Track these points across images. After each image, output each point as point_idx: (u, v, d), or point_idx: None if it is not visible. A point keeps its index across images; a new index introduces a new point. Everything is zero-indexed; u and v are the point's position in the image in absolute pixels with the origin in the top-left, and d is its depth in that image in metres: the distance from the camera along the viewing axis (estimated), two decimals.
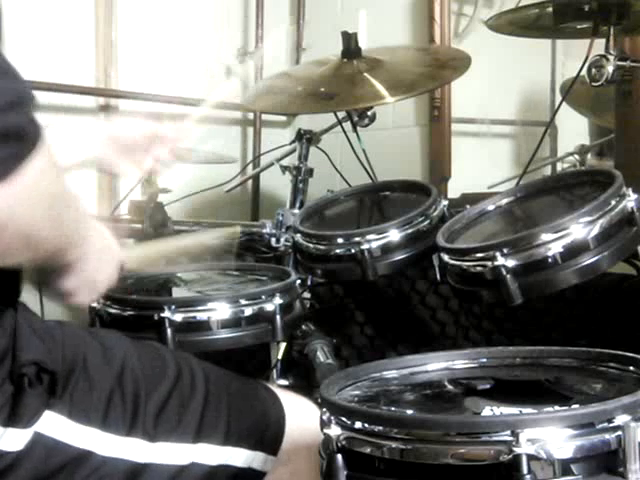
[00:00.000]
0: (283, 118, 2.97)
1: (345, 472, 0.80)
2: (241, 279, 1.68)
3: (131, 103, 2.57)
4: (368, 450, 0.80)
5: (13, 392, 0.89)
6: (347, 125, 2.11)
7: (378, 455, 0.79)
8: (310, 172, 2.07)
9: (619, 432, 0.74)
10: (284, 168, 2.10)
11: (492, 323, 1.88)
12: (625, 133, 1.93)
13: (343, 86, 1.91)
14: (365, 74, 1.90)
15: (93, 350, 1.03)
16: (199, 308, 1.42)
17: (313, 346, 1.75)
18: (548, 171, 2.43)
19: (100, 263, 0.98)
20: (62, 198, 0.78)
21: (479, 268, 1.28)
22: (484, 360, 1.02)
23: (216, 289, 1.62)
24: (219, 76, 2.82)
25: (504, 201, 1.51)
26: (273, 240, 2.00)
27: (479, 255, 1.28)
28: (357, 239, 1.47)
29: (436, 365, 1.02)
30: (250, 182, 2.77)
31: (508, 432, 0.73)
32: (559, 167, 2.48)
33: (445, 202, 1.57)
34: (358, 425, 0.81)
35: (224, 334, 1.42)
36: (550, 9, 1.67)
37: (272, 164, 2.20)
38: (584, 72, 1.58)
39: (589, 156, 2.42)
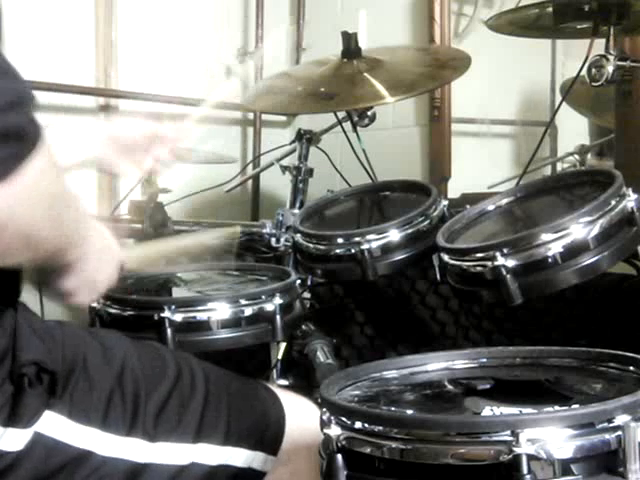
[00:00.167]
0: (283, 118, 2.97)
1: (345, 472, 0.80)
2: (241, 279, 1.68)
3: (131, 103, 2.57)
4: (368, 450, 0.80)
5: (13, 392, 0.89)
6: (347, 125, 2.11)
7: (378, 455, 0.79)
8: (310, 172, 2.07)
9: (619, 432, 0.74)
10: (284, 168, 2.10)
11: (492, 323, 1.88)
12: (625, 133, 1.93)
13: (343, 86, 1.91)
14: (365, 74, 1.90)
15: (93, 350, 1.03)
16: (199, 308, 1.42)
17: (313, 346, 1.75)
18: (548, 171, 2.43)
19: (100, 263, 0.98)
20: (62, 198, 0.78)
21: (479, 268, 1.28)
22: (484, 360, 1.02)
23: (216, 289, 1.62)
24: (219, 76, 2.83)
25: (504, 201, 1.51)
26: (273, 240, 2.00)
27: (479, 255, 1.28)
28: (357, 239, 1.47)
29: (436, 365, 1.02)
30: (250, 182, 2.77)
31: (508, 432, 0.73)
32: (559, 167, 2.48)
33: (445, 202, 1.57)
34: (358, 425, 0.81)
35: (224, 334, 1.42)
36: (550, 9, 1.67)
37: (272, 164, 2.20)
38: (584, 72, 1.58)
39: (589, 156, 2.42)
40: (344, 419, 0.82)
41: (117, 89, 2.57)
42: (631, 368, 0.91)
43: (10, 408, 0.88)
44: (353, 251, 1.47)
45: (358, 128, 2.06)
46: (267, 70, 2.79)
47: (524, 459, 0.72)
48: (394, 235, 1.48)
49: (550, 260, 1.23)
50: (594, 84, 1.57)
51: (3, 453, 0.88)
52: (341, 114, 2.10)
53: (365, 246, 1.45)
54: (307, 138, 2.07)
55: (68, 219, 0.81)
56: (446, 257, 1.36)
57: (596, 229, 1.22)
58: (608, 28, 1.59)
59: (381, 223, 1.52)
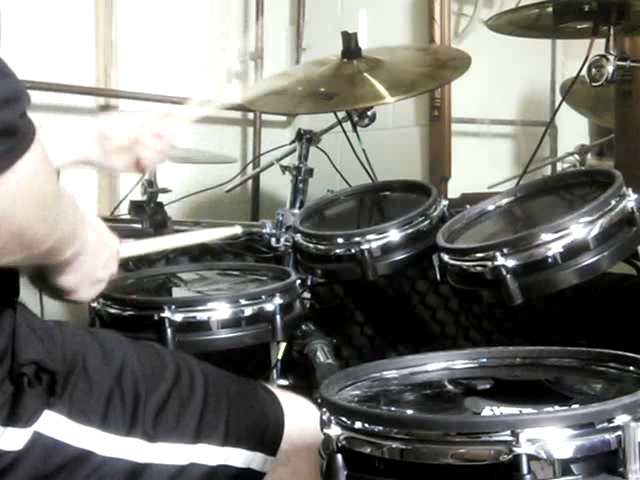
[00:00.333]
0: (283, 118, 2.97)
1: (345, 472, 0.80)
2: (241, 279, 1.68)
3: (131, 103, 2.57)
4: (368, 450, 0.80)
5: (13, 392, 0.89)
6: (347, 125, 2.11)
7: (378, 455, 0.79)
8: (310, 172, 2.07)
9: (619, 432, 0.74)
10: (284, 168, 2.10)
11: (492, 323, 1.88)
12: (625, 133, 1.93)
13: (343, 86, 1.91)
14: (365, 74, 1.90)
15: (93, 350, 1.03)
16: (199, 308, 1.42)
17: (313, 346, 1.75)
18: (548, 171, 2.43)
19: (98, 259, 0.97)
20: (55, 196, 0.78)
21: (479, 268, 1.28)
22: (484, 360, 1.02)
23: (216, 289, 1.62)
24: (219, 76, 2.82)
25: (504, 201, 1.51)
26: (273, 240, 2.00)
27: (479, 255, 1.28)
28: (357, 239, 1.47)
29: (436, 365, 1.02)
30: (250, 182, 2.77)
31: (508, 432, 0.73)
32: (559, 167, 2.48)
33: (445, 202, 1.56)
34: (358, 425, 0.81)
35: (224, 334, 1.42)
36: (550, 9, 1.67)
37: (272, 164, 2.20)
38: (584, 72, 1.58)
39: (589, 156, 2.42)
40: (344, 419, 0.82)
41: (117, 89, 2.57)
42: (631, 368, 0.91)
43: (10, 408, 0.88)
44: (353, 251, 1.47)
45: (358, 128, 2.06)
46: (267, 70, 2.80)
47: (524, 459, 0.72)
48: (394, 235, 1.48)
49: (550, 260, 1.23)
50: (594, 84, 1.57)
51: (3, 453, 0.88)
52: (341, 114, 2.09)
53: (365, 246, 1.45)
54: (307, 138, 2.07)
55: (62, 217, 0.81)
56: (446, 257, 1.36)
57: (596, 229, 1.22)
58: (608, 28, 1.59)
59: (381, 223, 1.52)
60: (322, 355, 1.73)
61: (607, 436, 0.74)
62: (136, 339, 1.14)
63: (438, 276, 1.42)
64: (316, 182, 2.08)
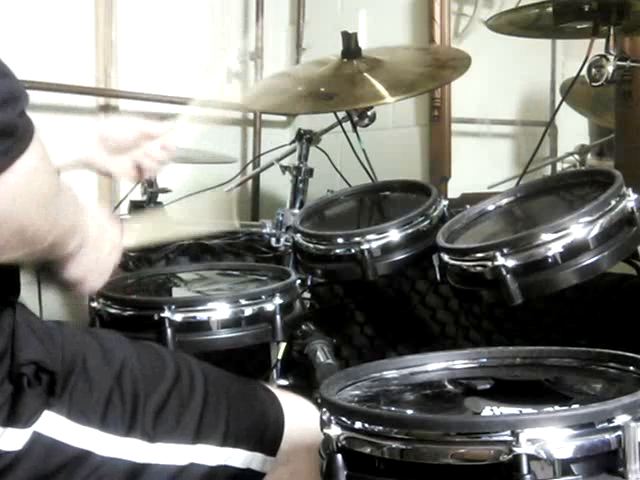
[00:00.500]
0: (283, 118, 2.97)
1: (345, 472, 0.80)
2: (241, 279, 1.68)
3: (131, 103, 2.57)
4: (368, 450, 0.80)
5: (12, 392, 0.89)
6: (347, 125, 2.11)
7: (378, 455, 0.79)
8: (310, 172, 2.07)
9: (619, 432, 0.74)
10: (284, 168, 2.10)
11: (492, 323, 1.87)
12: (625, 133, 1.93)
13: (343, 86, 1.91)
14: (365, 74, 1.90)
15: (92, 350, 1.03)
16: (199, 308, 1.42)
17: (313, 346, 1.74)
18: (548, 171, 2.43)
19: (100, 250, 0.97)
20: (55, 193, 0.78)
21: (479, 268, 1.28)
22: (484, 360, 1.02)
23: (216, 289, 1.62)
24: (219, 76, 2.82)
25: (504, 201, 1.51)
26: (273, 240, 2.00)
27: (479, 255, 1.28)
28: (357, 239, 1.47)
29: (436, 365, 1.02)
30: (250, 182, 2.77)
31: (508, 432, 0.73)
32: (559, 167, 2.48)
33: (445, 202, 1.56)
34: (358, 425, 0.81)
35: (224, 334, 1.42)
36: (550, 9, 1.67)
37: (272, 164, 2.21)
38: (584, 72, 1.58)
39: (589, 156, 2.42)
40: (344, 419, 0.82)
41: (117, 89, 2.57)
42: (631, 368, 0.91)
43: (9, 408, 0.88)
44: (353, 251, 1.47)
45: (358, 128, 2.06)
46: (267, 70, 2.80)
47: (524, 459, 0.72)
48: (394, 235, 1.48)
49: (550, 260, 1.23)
50: (594, 84, 1.56)
51: (2, 453, 0.88)
52: (341, 114, 2.09)
53: (365, 246, 1.45)
54: (307, 138, 2.07)
55: (62, 212, 0.81)
56: (446, 257, 1.36)
57: (596, 229, 1.22)
58: (608, 28, 1.59)
59: (381, 223, 1.52)
60: (322, 355, 1.73)
61: (607, 436, 0.74)
62: (136, 339, 1.14)
63: (438, 276, 1.42)
64: (316, 182, 2.08)
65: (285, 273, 1.59)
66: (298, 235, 1.60)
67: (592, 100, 2.25)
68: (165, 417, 1.02)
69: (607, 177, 1.33)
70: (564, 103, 2.03)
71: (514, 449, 0.72)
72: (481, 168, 2.49)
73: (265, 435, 1.11)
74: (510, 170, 2.49)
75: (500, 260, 1.23)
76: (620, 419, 0.75)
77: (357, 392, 0.94)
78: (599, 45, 1.59)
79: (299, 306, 1.54)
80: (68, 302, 2.45)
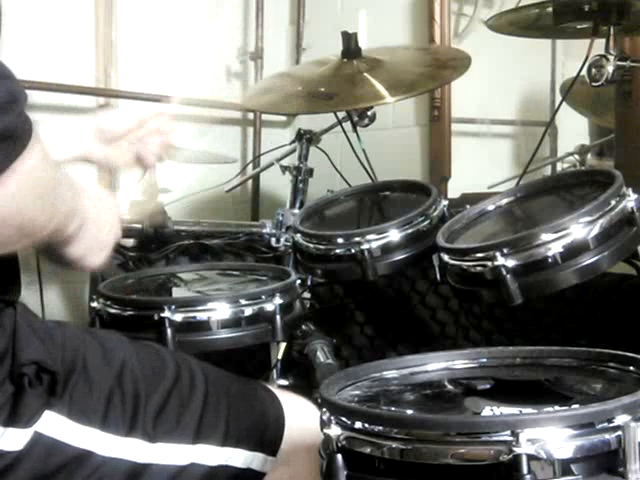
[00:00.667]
0: (283, 118, 2.97)
1: (345, 472, 0.80)
2: (241, 279, 1.69)
3: (131, 103, 2.57)
4: (368, 450, 0.80)
5: (13, 392, 0.89)
6: (347, 125, 2.11)
7: (378, 455, 0.79)
8: (310, 172, 2.07)
9: (619, 432, 0.74)
10: (284, 168, 2.10)
11: (492, 323, 1.88)
12: (625, 133, 1.93)
13: (343, 86, 1.91)
14: (365, 74, 1.90)
15: (93, 350, 1.03)
16: (199, 308, 1.42)
17: (313, 346, 1.75)
18: (548, 171, 2.43)
19: (101, 226, 0.96)
20: (54, 185, 0.78)
21: (479, 268, 1.28)
22: (484, 360, 1.02)
23: (216, 289, 1.62)
24: (219, 76, 2.83)
25: (504, 201, 1.51)
26: (273, 240, 2.00)
27: (479, 255, 1.28)
28: (357, 239, 1.47)
29: (436, 365, 1.02)
30: (250, 182, 2.77)
31: (508, 432, 0.73)
32: (559, 167, 2.48)
33: (445, 202, 1.57)
34: (358, 425, 0.81)
35: (224, 334, 1.42)
36: (550, 9, 1.67)
37: (272, 164, 2.21)
38: (584, 72, 1.58)
39: (589, 156, 2.42)
40: (344, 419, 0.82)
41: (117, 89, 2.57)
42: (631, 368, 0.91)
43: (10, 408, 0.88)
44: (353, 251, 1.47)
45: (358, 128, 2.06)
46: (267, 70, 2.80)
47: (524, 459, 0.72)
48: (394, 235, 1.48)
49: (550, 260, 1.23)
50: (594, 84, 1.57)
51: (3, 453, 0.88)
52: (341, 114, 2.10)
53: (365, 246, 1.45)
54: (307, 138, 2.08)
55: (62, 202, 0.81)
56: (446, 257, 1.36)
57: (596, 229, 1.22)
58: (608, 28, 1.59)
59: (381, 223, 1.52)
60: (322, 355, 1.73)
61: (607, 436, 0.74)
62: (136, 339, 1.14)
63: (438, 276, 1.42)
64: (316, 182, 2.08)
65: (285, 273, 1.60)
66: (298, 235, 1.60)
67: (592, 100, 2.25)
68: (165, 417, 1.02)
69: (607, 177, 1.33)
70: (564, 103, 2.03)
71: (514, 449, 0.72)
72: (481, 168, 2.49)
73: (265, 435, 1.11)
74: (510, 170, 2.49)
75: (500, 260, 1.23)
76: (620, 419, 0.75)
77: (357, 392, 0.94)
78: (599, 45, 1.59)
79: (299, 306, 1.54)
80: (68, 302, 2.45)
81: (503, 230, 1.48)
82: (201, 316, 1.41)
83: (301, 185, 2.06)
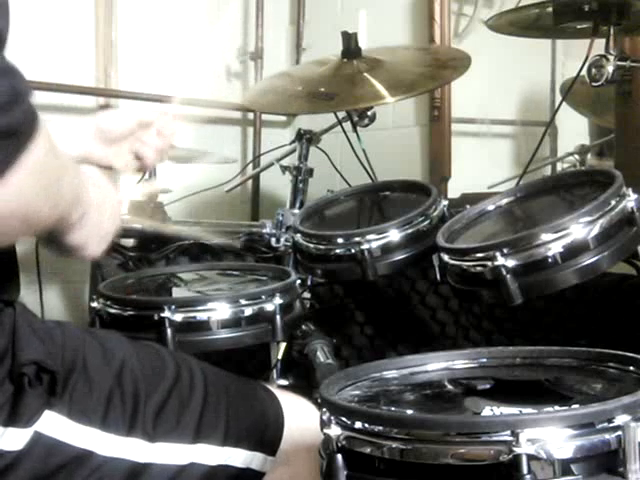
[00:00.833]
0: (283, 118, 2.97)
1: (345, 472, 0.80)
2: (241, 279, 1.69)
3: (131, 103, 2.57)
4: (368, 450, 0.80)
5: (13, 392, 0.89)
6: (347, 125, 2.11)
7: (378, 455, 0.79)
8: (310, 172, 2.07)
9: (619, 432, 0.74)
10: (284, 168, 2.10)
11: (492, 323, 1.87)
12: (625, 133, 1.93)
13: (343, 86, 1.91)
14: (365, 74, 1.90)
15: (93, 350, 1.03)
16: (199, 308, 1.42)
17: (313, 346, 1.75)
18: (548, 171, 2.43)
19: (102, 215, 0.96)
20: (60, 176, 0.77)
21: (479, 268, 1.28)
22: (484, 360, 1.02)
23: (216, 289, 1.62)
24: (219, 76, 2.83)
25: (504, 201, 1.51)
26: (273, 240, 2.00)
27: (479, 255, 1.28)
28: (357, 239, 1.47)
29: (436, 365, 1.02)
30: (250, 182, 2.77)
31: (508, 432, 0.73)
32: (559, 167, 2.48)
33: (445, 202, 1.57)
34: (358, 425, 0.81)
35: (224, 334, 1.42)
36: (550, 9, 1.67)
37: (272, 164, 2.21)
38: (584, 72, 1.58)
39: (589, 156, 2.42)
40: (344, 419, 0.82)
41: (117, 89, 2.57)
42: (631, 368, 0.91)
43: (10, 408, 0.88)
44: (353, 251, 1.47)
45: (358, 128, 2.06)
46: (267, 70, 2.80)
47: (524, 459, 0.72)
48: (394, 235, 1.48)
49: (550, 260, 1.23)
50: (594, 84, 1.57)
51: (3, 452, 0.88)
52: (341, 114, 2.10)
53: (365, 246, 1.45)
54: (307, 138, 2.07)
55: (67, 190, 0.81)
56: (446, 257, 1.36)
57: (596, 229, 1.22)
58: (608, 28, 1.59)
59: (381, 223, 1.52)
60: (322, 355, 1.73)
61: (607, 436, 0.74)
62: (136, 339, 1.14)
63: (438, 276, 1.42)
64: (316, 182, 2.08)
65: (285, 273, 1.60)
66: (298, 235, 1.60)
67: (592, 100, 2.25)
68: (165, 417, 1.02)
69: (607, 177, 1.33)
70: (564, 103, 2.03)
71: (514, 449, 0.72)
72: (481, 168, 2.49)
73: (265, 435, 1.11)
74: (510, 170, 2.49)
75: (500, 260, 1.23)
76: (620, 419, 0.75)
77: (357, 392, 0.94)
78: (599, 45, 1.59)
79: (299, 306, 1.54)
80: (68, 302, 2.45)
81: (503, 230, 1.48)
82: (201, 316, 1.41)
83: (301, 185, 2.06)
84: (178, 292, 1.61)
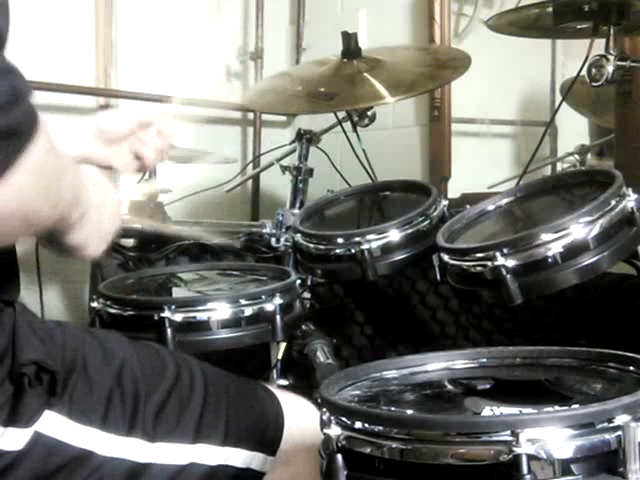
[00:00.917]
0: (283, 118, 2.97)
1: (345, 472, 0.80)
2: (241, 279, 1.68)
3: (131, 103, 2.57)
4: (368, 450, 0.80)
5: (13, 392, 0.89)
6: (347, 125, 2.11)
7: (378, 455, 0.79)
8: (310, 172, 2.07)
9: (619, 432, 0.74)
10: (284, 168, 2.10)
11: (492, 323, 1.87)
12: (625, 133, 1.93)
13: (343, 86, 1.91)
14: (365, 74, 1.90)
15: (93, 350, 1.03)
16: (199, 308, 1.42)
17: (313, 346, 1.75)
18: (548, 171, 2.43)
19: (102, 214, 0.96)
20: (60, 176, 0.77)
21: (479, 268, 1.28)
22: (484, 360, 1.02)
23: (216, 289, 1.62)
24: (219, 76, 2.83)
25: (504, 201, 1.51)
26: (273, 240, 2.00)
27: (479, 255, 1.28)
28: (357, 239, 1.47)
29: (436, 365, 1.02)
30: (250, 182, 2.77)
31: (508, 432, 0.73)
32: (559, 167, 2.48)
33: (445, 202, 1.57)
34: (358, 425, 0.81)
35: (224, 334, 1.42)
36: (550, 9, 1.67)
37: (272, 164, 2.21)
38: (584, 72, 1.58)
39: (589, 156, 2.42)
40: (344, 419, 0.82)
41: (117, 89, 2.57)
42: (631, 368, 0.91)
43: (10, 408, 0.88)
44: (353, 251, 1.47)
45: (358, 128, 2.06)
46: (267, 70, 2.80)
47: (524, 459, 0.72)
48: (394, 235, 1.48)
49: (550, 260, 1.23)
50: (594, 84, 1.57)
51: (3, 452, 0.88)
52: (341, 114, 2.10)
53: (365, 246, 1.45)
54: (307, 138, 2.08)
55: (67, 190, 0.81)
56: (446, 257, 1.36)
57: (596, 229, 1.22)
58: (608, 28, 1.59)
59: (381, 223, 1.52)
60: (322, 355, 1.73)
61: (607, 436, 0.74)
62: (136, 339, 1.14)
63: (438, 276, 1.42)
64: (316, 182, 2.08)
65: (285, 273, 1.60)
66: (298, 235, 1.60)
67: (592, 100, 2.25)
68: (165, 417, 1.02)
69: (607, 177, 1.33)
70: (564, 103, 2.03)
71: (514, 449, 0.72)
72: (481, 168, 2.49)
73: (265, 435, 1.11)
74: (510, 170, 2.49)
75: (500, 260, 1.23)
76: (620, 419, 0.75)
77: (357, 392, 0.94)
78: (599, 45, 1.59)
79: (299, 306, 1.54)
80: (68, 302, 2.45)
81: (503, 230, 1.48)
82: (201, 316, 1.41)
83: (301, 185, 2.06)
84: (178, 292, 1.61)
